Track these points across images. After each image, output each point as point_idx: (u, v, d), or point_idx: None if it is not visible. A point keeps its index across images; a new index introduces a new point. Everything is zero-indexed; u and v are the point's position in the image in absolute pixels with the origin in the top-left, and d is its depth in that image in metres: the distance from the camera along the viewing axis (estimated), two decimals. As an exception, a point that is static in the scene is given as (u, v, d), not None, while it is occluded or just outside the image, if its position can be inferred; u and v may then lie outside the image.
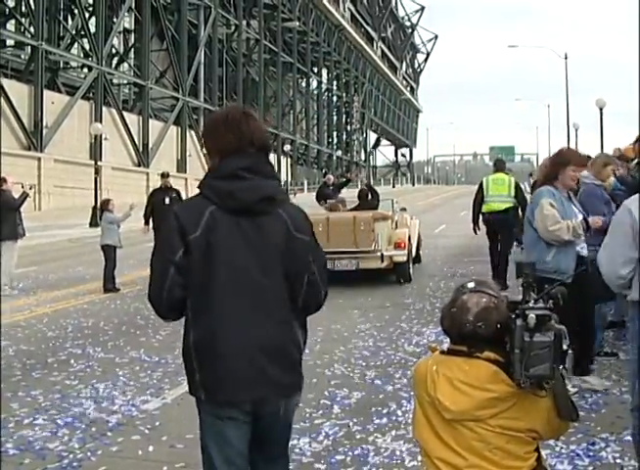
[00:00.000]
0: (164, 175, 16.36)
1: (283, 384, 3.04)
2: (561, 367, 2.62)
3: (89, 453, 5.27)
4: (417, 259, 15.24)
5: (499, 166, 12.81)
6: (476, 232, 12.68)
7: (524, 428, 2.67)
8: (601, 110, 36.72)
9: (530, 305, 2.65)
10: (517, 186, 12.41)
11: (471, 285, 2.78)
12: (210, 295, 2.96)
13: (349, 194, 19.46)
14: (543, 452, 4.59)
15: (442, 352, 2.82)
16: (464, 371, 2.68)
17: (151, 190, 19.73)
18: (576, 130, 49.85)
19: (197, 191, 3.12)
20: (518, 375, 2.59)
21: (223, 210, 2.96)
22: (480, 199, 12.51)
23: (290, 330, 3.07)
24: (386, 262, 12.90)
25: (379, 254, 12.79)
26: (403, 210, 15.29)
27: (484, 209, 12.44)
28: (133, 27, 55.16)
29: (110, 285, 13.31)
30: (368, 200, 14.77)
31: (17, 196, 13.77)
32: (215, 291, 2.96)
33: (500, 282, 11.59)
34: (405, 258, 13.08)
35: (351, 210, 14.31)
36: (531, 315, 2.60)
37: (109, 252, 13.44)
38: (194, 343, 2.99)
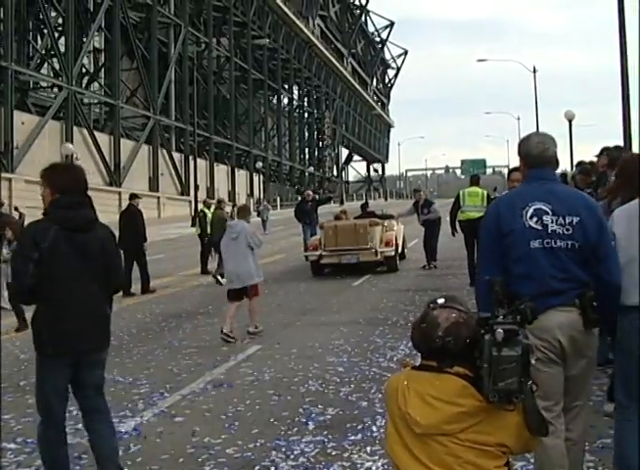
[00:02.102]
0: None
1: (100, 340, 4.65)
2: (529, 382, 2.64)
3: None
4: (402, 256, 19.14)
5: (474, 181, 14.75)
6: (454, 235, 14.70)
7: (493, 442, 2.69)
8: (570, 122, 37.12)
9: (499, 320, 2.69)
10: (488, 198, 14.03)
11: (441, 301, 2.81)
12: (55, 283, 4.45)
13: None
14: (518, 464, 4.66)
15: (414, 368, 2.85)
16: (434, 386, 2.71)
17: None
18: (546, 143, 50.34)
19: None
20: (487, 390, 2.61)
21: (63, 228, 4.45)
22: (456, 208, 14.31)
23: (104, 306, 4.72)
24: (379, 257, 16.91)
25: (374, 250, 16.75)
26: (391, 217, 19.22)
27: (462, 217, 14.16)
28: (103, 46, 55.01)
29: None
30: (367, 211, 19.77)
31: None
32: (59, 280, 4.45)
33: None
34: (393, 253, 17.29)
35: (354, 218, 18.72)
36: (499, 330, 2.63)
37: None
38: (44, 313, 4.47)
